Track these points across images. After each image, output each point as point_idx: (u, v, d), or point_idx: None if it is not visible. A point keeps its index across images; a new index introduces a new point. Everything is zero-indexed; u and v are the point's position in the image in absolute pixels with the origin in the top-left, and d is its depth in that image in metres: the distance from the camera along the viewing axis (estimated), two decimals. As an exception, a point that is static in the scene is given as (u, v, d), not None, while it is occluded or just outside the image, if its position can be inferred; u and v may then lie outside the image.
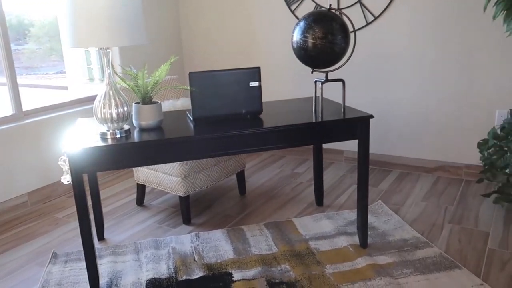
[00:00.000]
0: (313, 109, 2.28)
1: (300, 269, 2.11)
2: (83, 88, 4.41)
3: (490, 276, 2.02)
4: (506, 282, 1.97)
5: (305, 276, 2.05)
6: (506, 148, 2.59)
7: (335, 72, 3.37)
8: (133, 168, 2.95)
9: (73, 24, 1.75)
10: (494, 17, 2.47)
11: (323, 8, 3.34)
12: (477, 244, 2.30)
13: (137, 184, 2.89)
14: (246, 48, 3.86)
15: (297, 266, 2.14)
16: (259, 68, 2.13)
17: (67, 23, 1.77)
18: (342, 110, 2.22)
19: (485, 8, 2.54)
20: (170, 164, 2.56)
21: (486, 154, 2.72)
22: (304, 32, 2.06)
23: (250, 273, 2.10)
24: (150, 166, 2.65)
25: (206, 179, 2.68)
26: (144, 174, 2.76)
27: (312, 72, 2.17)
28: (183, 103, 2.92)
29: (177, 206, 2.91)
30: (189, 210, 2.63)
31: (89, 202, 2.67)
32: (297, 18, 3.52)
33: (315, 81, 2.25)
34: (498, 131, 2.70)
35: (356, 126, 2.13)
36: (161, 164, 2.58)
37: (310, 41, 2.04)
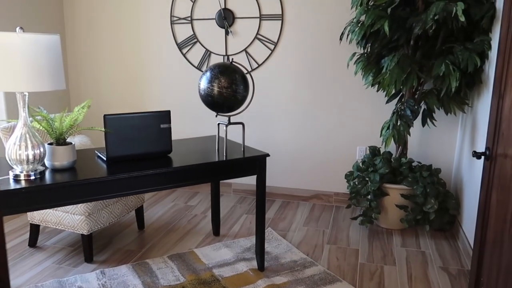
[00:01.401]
0: (216, 148, 2.55)
1: (209, 295, 2.31)
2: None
3: (363, 285, 2.47)
4: (376, 288, 2.44)
5: (215, 301, 2.26)
6: (367, 179, 3.17)
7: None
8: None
9: (-7, 68, 1.77)
10: (355, 73, 3.06)
11: (214, 54, 3.68)
12: (351, 260, 2.77)
13: (31, 224, 2.79)
14: (137, 87, 3.98)
15: (205, 293, 2.34)
16: (169, 111, 2.33)
17: (-13, 67, 1.77)
18: (242, 150, 2.53)
19: (348, 65, 3.13)
20: (72, 202, 2.56)
21: (352, 184, 3.27)
22: (211, 81, 2.34)
23: (163, 303, 2.23)
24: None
25: (109, 215, 2.73)
26: (41, 213, 2.69)
27: (216, 116, 2.45)
28: (81, 140, 2.95)
29: (75, 245, 2.87)
30: (91, 248, 2.64)
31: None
32: (188, 61, 3.79)
33: (218, 124, 2.53)
34: (361, 164, 3.29)
35: (255, 163, 2.45)
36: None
37: (216, 89, 2.33)
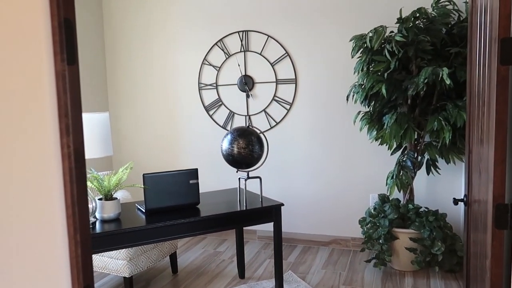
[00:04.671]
0: (238, 199, 2.95)
1: (233, 330, 2.63)
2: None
3: (373, 321, 2.73)
4: (384, 324, 2.69)
5: (238, 335, 2.58)
6: (378, 224, 3.46)
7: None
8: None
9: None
10: (360, 129, 3.45)
11: (239, 122, 4.16)
12: (363, 299, 3.04)
13: (80, 269, 3.21)
14: (170, 147, 4.49)
15: (230, 328, 2.66)
16: (196, 169, 2.77)
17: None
18: (260, 200, 2.91)
19: (354, 122, 3.52)
20: (116, 249, 2.98)
21: (365, 229, 3.56)
22: (231, 143, 2.78)
23: (193, 336, 2.57)
24: (97, 252, 3.04)
25: (147, 260, 3.13)
26: (89, 259, 3.12)
27: (237, 172, 2.87)
28: (123, 195, 3.42)
29: (117, 287, 3.27)
30: (132, 289, 3.03)
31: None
32: (215, 121, 4.28)
33: (239, 178, 2.94)
34: (372, 211, 3.59)
35: (271, 212, 2.83)
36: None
37: (236, 150, 2.76)
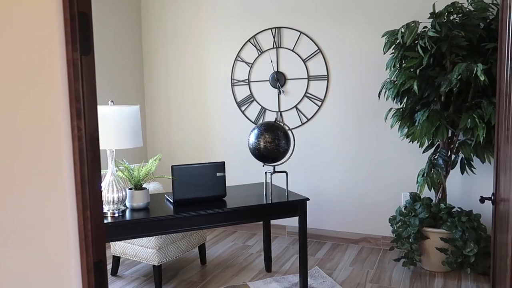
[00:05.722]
0: (264, 193, 2.98)
1: (256, 321, 2.67)
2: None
3: (397, 320, 2.70)
4: (408, 324, 2.66)
5: (260, 326, 2.62)
6: (408, 223, 3.40)
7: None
8: (111, 242, 3.43)
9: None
10: (391, 126, 3.40)
11: (269, 118, 4.20)
12: (390, 298, 3.00)
13: (113, 256, 3.36)
14: (202, 140, 4.59)
15: (253, 319, 2.70)
16: (223, 162, 2.83)
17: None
18: (286, 194, 2.94)
19: (385, 119, 3.48)
20: (146, 238, 3.10)
21: (395, 227, 3.51)
22: (258, 137, 2.82)
23: (216, 325, 2.63)
24: (128, 240, 3.16)
25: (176, 250, 3.23)
26: (121, 247, 3.26)
27: (263, 166, 2.91)
28: (154, 186, 3.53)
29: (147, 275, 3.39)
30: (161, 277, 3.13)
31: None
32: (246, 117, 4.34)
33: (265, 172, 2.98)
34: (403, 209, 3.53)
35: (296, 206, 2.85)
36: (138, 239, 3.11)
37: (262, 144, 2.80)
